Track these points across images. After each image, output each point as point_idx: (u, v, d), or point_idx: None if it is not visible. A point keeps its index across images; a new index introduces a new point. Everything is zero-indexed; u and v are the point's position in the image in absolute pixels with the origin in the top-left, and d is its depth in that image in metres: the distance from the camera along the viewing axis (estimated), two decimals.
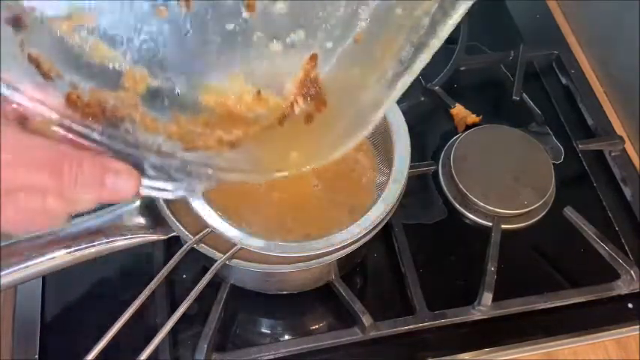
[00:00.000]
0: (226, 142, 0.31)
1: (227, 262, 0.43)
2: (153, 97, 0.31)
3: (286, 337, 0.52)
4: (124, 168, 0.29)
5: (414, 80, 0.66)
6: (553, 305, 0.53)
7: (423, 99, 0.65)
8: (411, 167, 0.47)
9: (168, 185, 0.30)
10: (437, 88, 0.64)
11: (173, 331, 0.50)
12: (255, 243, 0.43)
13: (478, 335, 0.52)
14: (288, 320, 0.54)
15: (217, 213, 0.43)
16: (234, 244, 0.43)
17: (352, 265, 0.54)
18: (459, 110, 0.64)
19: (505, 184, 0.58)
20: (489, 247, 0.54)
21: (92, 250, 0.44)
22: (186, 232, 0.45)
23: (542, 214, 0.58)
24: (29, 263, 0.43)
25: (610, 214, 0.60)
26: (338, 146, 0.31)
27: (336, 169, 0.50)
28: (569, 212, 0.55)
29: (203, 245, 0.44)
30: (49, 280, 0.53)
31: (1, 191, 0.26)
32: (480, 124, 0.63)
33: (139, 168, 0.29)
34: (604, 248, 0.54)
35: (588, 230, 0.55)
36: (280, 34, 0.31)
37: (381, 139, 0.49)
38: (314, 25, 0.31)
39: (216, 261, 0.43)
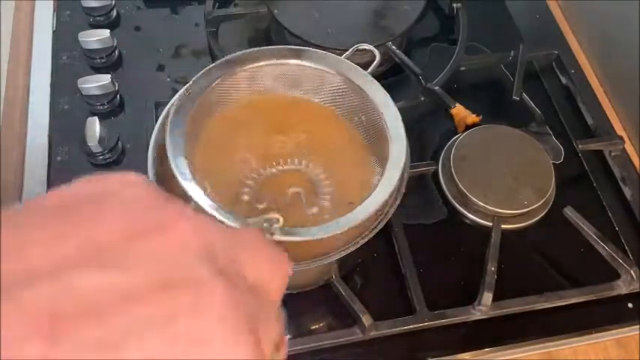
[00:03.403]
0: None
1: None
2: None
3: (286, 336, 0.52)
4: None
5: (414, 80, 0.66)
6: (553, 305, 0.53)
7: (423, 99, 0.65)
8: (411, 167, 0.47)
9: None
10: (437, 88, 0.64)
11: None
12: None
13: (478, 335, 0.52)
14: (288, 320, 0.53)
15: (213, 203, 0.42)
16: None
17: (352, 265, 0.54)
18: (459, 110, 0.64)
19: (505, 184, 0.58)
20: (489, 247, 0.54)
21: None
22: None
23: (542, 214, 0.58)
24: None
25: (610, 214, 0.60)
26: None
27: (333, 168, 0.50)
28: (569, 212, 0.55)
29: None
30: None
31: None
32: (480, 124, 0.63)
33: None
34: (604, 248, 0.54)
35: (588, 230, 0.55)
36: None
37: (380, 139, 0.49)
38: None
39: None
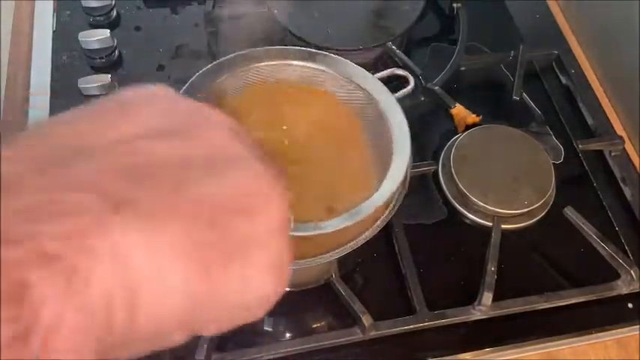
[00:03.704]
0: None
1: None
2: None
3: (286, 336, 0.52)
4: None
5: (414, 80, 0.66)
6: (553, 305, 0.53)
7: (423, 99, 0.65)
8: (411, 167, 0.47)
9: None
10: (437, 88, 0.64)
11: None
12: None
13: (478, 335, 0.52)
14: (288, 320, 0.54)
15: None
16: None
17: (352, 264, 0.54)
18: (459, 110, 0.64)
19: (505, 184, 0.58)
20: (489, 247, 0.54)
21: None
22: None
23: (542, 214, 0.58)
24: None
25: (610, 214, 0.60)
26: None
27: (334, 167, 0.49)
28: (569, 212, 0.55)
29: None
30: None
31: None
32: (480, 124, 0.63)
33: None
34: (604, 248, 0.54)
35: (588, 230, 0.55)
36: None
37: (382, 138, 0.49)
38: None
39: None
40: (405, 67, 0.66)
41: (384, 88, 0.49)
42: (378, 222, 0.45)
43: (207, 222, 0.20)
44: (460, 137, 0.60)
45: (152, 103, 0.24)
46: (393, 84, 0.66)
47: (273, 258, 0.22)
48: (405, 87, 0.54)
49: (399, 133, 0.47)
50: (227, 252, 0.21)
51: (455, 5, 0.71)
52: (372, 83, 0.49)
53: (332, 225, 0.41)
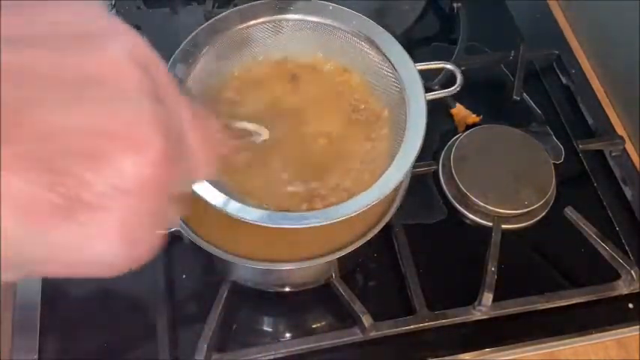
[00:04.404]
0: None
1: (227, 259, 0.43)
2: None
3: (286, 337, 0.52)
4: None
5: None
6: (553, 305, 0.53)
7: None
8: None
9: None
10: (437, 87, 0.64)
11: (173, 331, 0.50)
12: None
13: (478, 335, 0.52)
14: (288, 320, 0.54)
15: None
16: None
17: (352, 264, 0.54)
18: (459, 110, 0.64)
19: (505, 184, 0.58)
20: (489, 247, 0.54)
21: None
22: (187, 227, 0.45)
23: (543, 214, 0.58)
24: None
25: (610, 214, 0.60)
26: None
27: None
28: (569, 212, 0.55)
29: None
30: (48, 279, 0.53)
31: None
32: (480, 124, 0.63)
33: None
34: (604, 248, 0.54)
35: (588, 230, 0.55)
36: None
37: (397, 131, 0.49)
38: None
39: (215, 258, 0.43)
40: None
41: (419, 81, 0.49)
42: (378, 222, 0.45)
43: (44, 163, 0.18)
44: (460, 137, 0.60)
45: (68, 6, 0.21)
46: None
47: (123, 222, 0.19)
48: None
49: (412, 133, 0.46)
50: (63, 204, 0.18)
51: (455, 5, 0.71)
52: (408, 71, 0.49)
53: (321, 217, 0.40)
